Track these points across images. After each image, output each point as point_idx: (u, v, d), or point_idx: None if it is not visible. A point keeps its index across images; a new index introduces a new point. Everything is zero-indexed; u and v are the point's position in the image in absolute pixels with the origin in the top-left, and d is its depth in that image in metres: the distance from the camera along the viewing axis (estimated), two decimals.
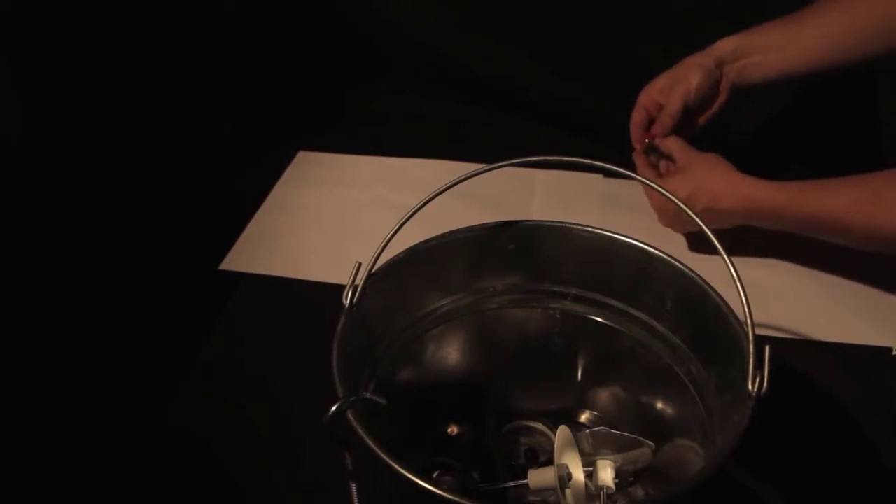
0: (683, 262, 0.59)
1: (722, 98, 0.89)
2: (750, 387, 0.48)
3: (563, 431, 0.60)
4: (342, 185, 1.05)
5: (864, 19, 0.82)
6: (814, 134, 1.05)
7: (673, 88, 0.88)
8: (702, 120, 0.91)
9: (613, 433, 0.61)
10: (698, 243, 0.89)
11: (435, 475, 0.63)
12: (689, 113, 0.89)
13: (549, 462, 0.61)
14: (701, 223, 0.52)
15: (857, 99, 1.04)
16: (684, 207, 0.54)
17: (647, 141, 0.91)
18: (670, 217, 0.88)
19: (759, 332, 0.49)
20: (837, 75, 0.86)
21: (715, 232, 0.52)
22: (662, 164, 0.90)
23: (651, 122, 0.92)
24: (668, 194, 0.56)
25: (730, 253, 0.51)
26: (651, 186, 0.59)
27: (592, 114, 1.10)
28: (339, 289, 0.56)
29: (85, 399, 0.72)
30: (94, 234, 0.86)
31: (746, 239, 0.86)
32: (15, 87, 0.84)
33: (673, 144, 0.88)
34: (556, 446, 0.59)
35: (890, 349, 0.79)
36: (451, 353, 0.68)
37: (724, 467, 0.46)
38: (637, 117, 0.91)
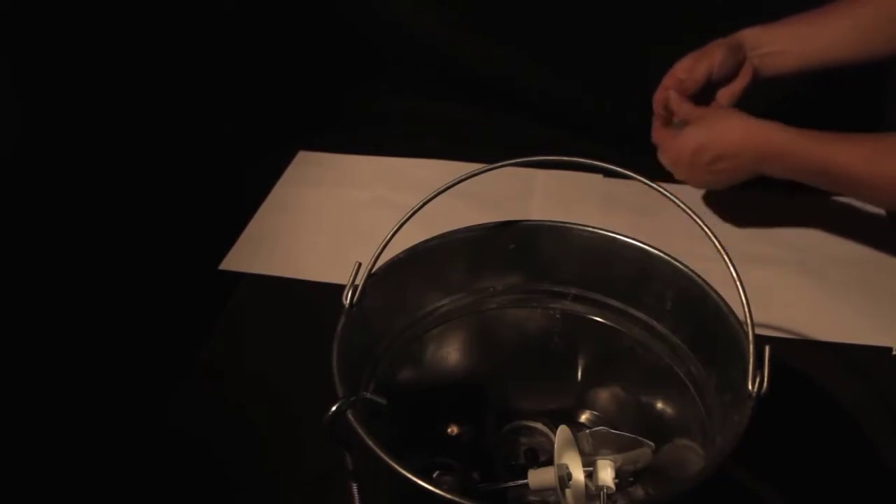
0: (683, 262, 0.59)
1: (745, 79, 0.89)
2: (750, 387, 0.48)
3: (563, 431, 0.60)
4: (342, 185, 1.05)
5: (892, 15, 0.82)
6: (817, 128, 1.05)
7: (697, 63, 0.88)
8: (724, 97, 0.90)
9: (613, 433, 0.61)
10: (699, 243, 0.88)
11: (435, 475, 0.63)
12: (711, 88, 0.89)
13: (549, 462, 0.61)
14: (695, 217, 0.52)
15: (860, 94, 1.04)
16: (668, 194, 0.53)
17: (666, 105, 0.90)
18: (685, 168, 0.86)
19: (759, 332, 0.49)
20: (845, 71, 0.86)
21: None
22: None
23: None
24: (665, 193, 0.55)
25: (729, 253, 0.51)
26: (650, 185, 0.58)
27: (592, 114, 1.10)
28: (339, 289, 0.56)
29: (85, 399, 0.72)
30: (94, 234, 0.86)
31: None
32: (15, 87, 0.84)
33: (687, 107, 0.88)
34: (556, 446, 0.59)
35: (890, 349, 0.79)
36: (451, 353, 0.68)
37: (724, 467, 0.46)
38: (660, 95, 0.91)
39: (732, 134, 0.81)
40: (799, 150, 0.78)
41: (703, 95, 0.89)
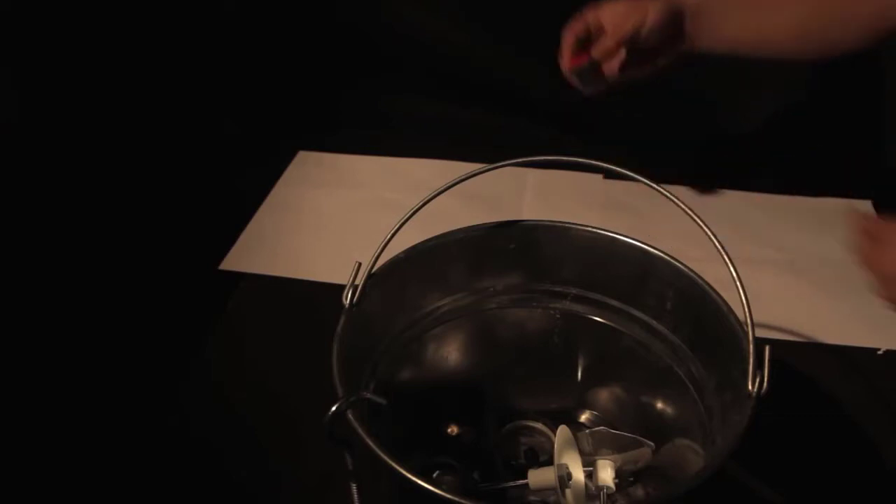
0: (683, 262, 0.59)
1: (677, 50, 0.77)
2: (750, 387, 0.48)
3: (563, 431, 0.60)
4: (342, 185, 1.05)
5: (833, 9, 0.75)
6: (816, 130, 1.05)
7: (627, 16, 0.75)
8: (653, 64, 0.79)
9: (613, 433, 0.61)
10: (699, 243, 0.89)
11: (435, 475, 0.63)
12: (638, 52, 0.77)
13: (549, 462, 0.61)
14: (695, 217, 0.52)
15: (860, 95, 1.04)
16: None
17: (576, 66, 0.77)
18: None
19: (758, 332, 0.49)
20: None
21: None
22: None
23: (588, 42, 0.78)
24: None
25: (729, 254, 0.51)
26: (650, 186, 0.57)
27: (593, 114, 1.10)
28: (339, 289, 0.56)
29: (85, 399, 0.72)
30: (94, 235, 0.86)
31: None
32: (15, 86, 0.84)
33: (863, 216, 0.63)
34: (556, 446, 0.59)
35: (889, 350, 0.79)
36: (451, 353, 0.68)
37: (724, 467, 0.46)
38: (574, 29, 0.77)
39: None
40: None
41: (627, 52, 0.76)
